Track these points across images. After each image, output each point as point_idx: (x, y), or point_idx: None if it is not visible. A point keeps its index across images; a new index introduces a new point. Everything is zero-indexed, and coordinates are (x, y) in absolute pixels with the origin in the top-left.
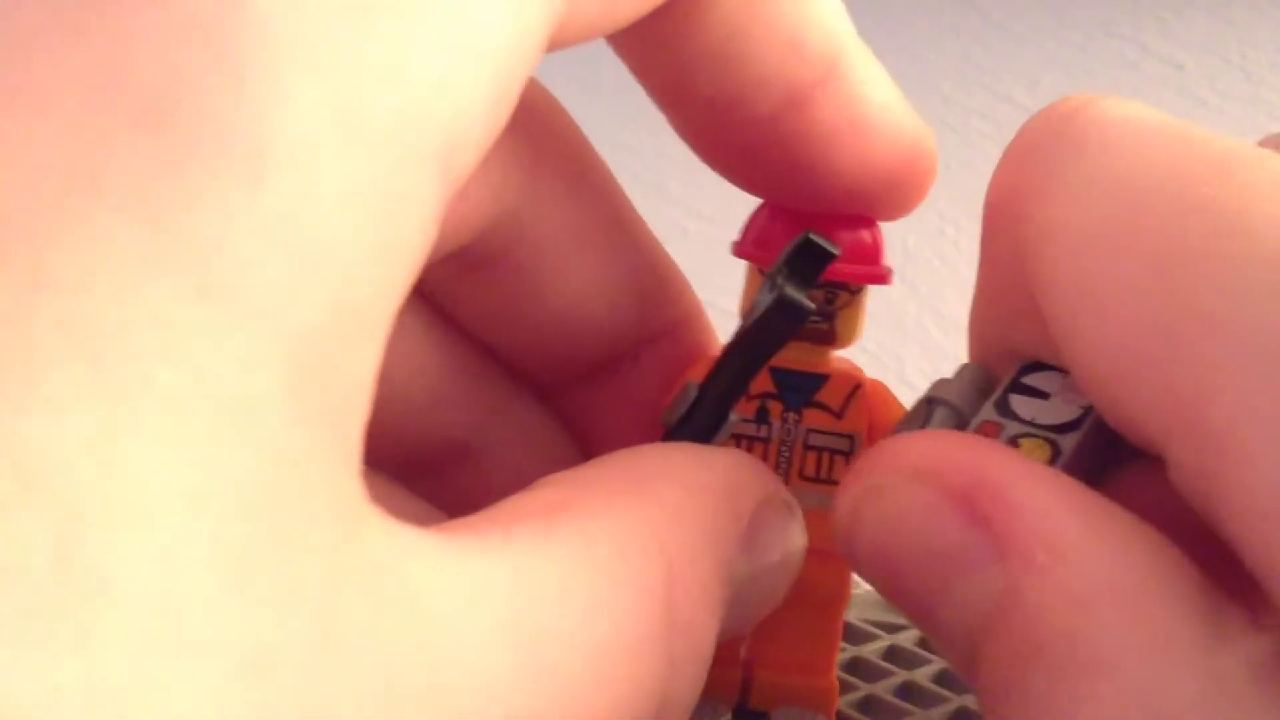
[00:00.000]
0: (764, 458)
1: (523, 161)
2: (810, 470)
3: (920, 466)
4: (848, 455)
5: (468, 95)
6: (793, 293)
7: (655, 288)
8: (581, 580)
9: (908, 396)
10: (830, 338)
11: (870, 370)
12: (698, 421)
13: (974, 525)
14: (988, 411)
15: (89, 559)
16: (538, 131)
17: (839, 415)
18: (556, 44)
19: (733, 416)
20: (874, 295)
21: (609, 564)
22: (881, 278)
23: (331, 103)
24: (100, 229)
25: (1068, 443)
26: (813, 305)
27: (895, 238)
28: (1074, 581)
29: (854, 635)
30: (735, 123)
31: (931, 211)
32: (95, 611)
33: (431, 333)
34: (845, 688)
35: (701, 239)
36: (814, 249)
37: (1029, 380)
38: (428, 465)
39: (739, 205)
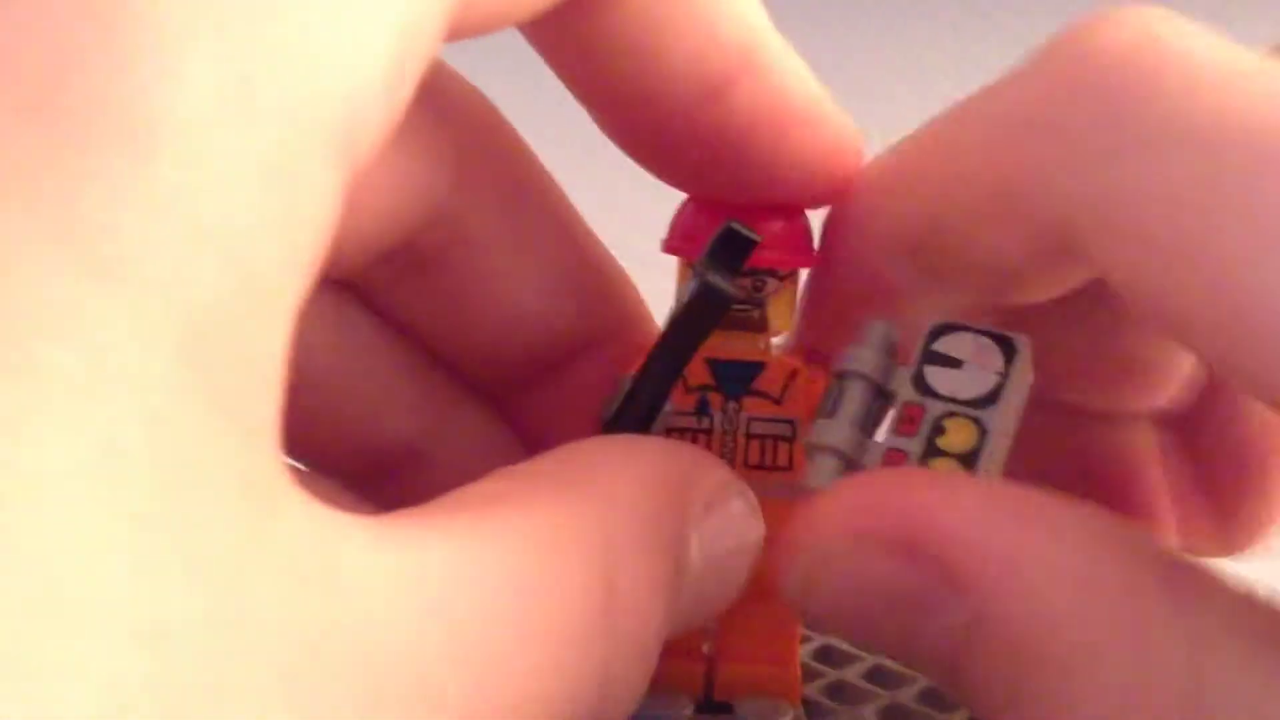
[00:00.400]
0: (708, 449)
1: (451, 161)
2: (755, 458)
3: (857, 527)
4: (790, 440)
5: (363, 74)
6: (714, 280)
7: (597, 288)
8: (517, 566)
9: None
10: (762, 325)
11: None
12: (632, 414)
13: (924, 569)
14: (906, 390)
15: None
16: (467, 133)
17: (778, 401)
18: (461, 33)
19: (667, 407)
20: None
21: (546, 550)
22: (806, 261)
23: (222, 79)
24: None
25: (992, 419)
26: (735, 291)
27: None
28: (1037, 595)
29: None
30: (653, 117)
31: None
32: None
33: (375, 337)
34: (814, 675)
35: None
36: (736, 237)
37: (940, 347)
38: (377, 469)
39: None
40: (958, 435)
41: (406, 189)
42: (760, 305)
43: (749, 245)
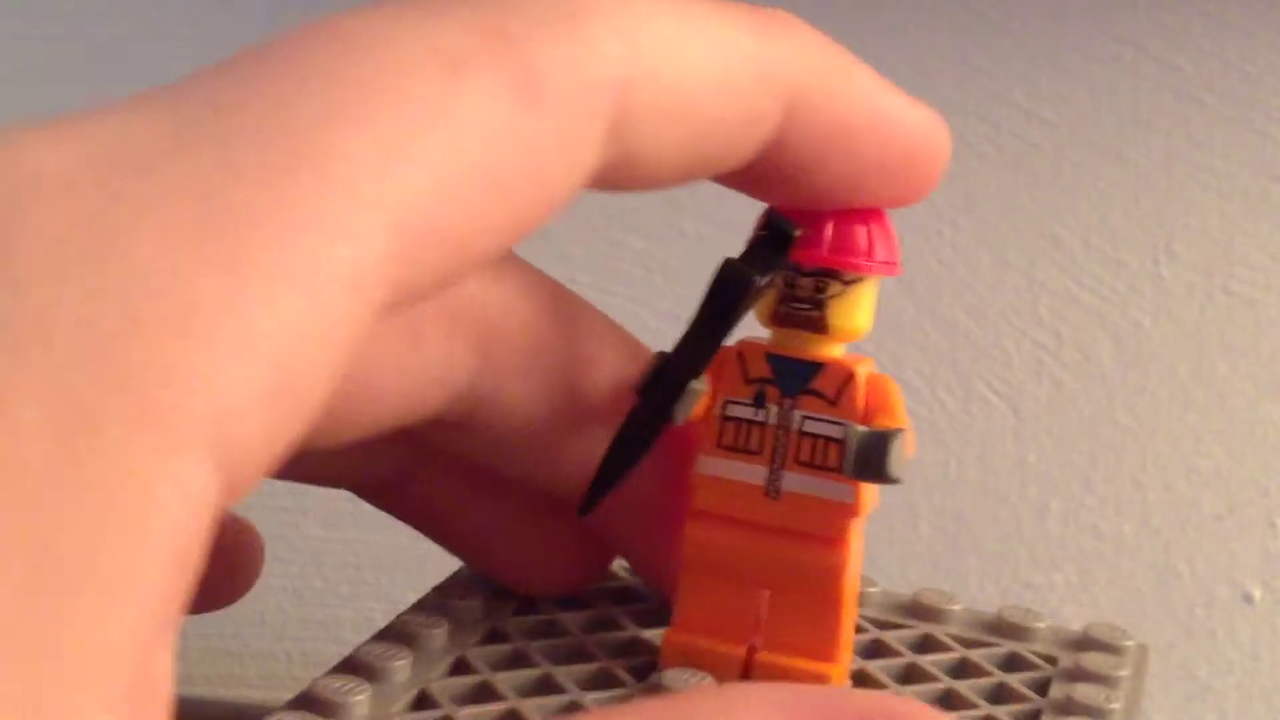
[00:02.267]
0: (761, 441)
1: (470, 349)
2: (806, 456)
3: None
4: (841, 443)
5: (240, 393)
6: (734, 262)
7: (626, 375)
8: None
9: (904, 396)
10: (822, 327)
11: None
12: (660, 389)
13: None
14: None
15: None
16: (489, 317)
17: (833, 403)
18: (410, 299)
19: (695, 385)
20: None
21: None
22: (856, 265)
23: (67, 401)
24: None
25: None
26: (753, 275)
27: None
28: None
29: (929, 647)
30: (724, 177)
31: (929, 212)
32: None
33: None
34: (875, 684)
35: (700, 240)
36: (774, 228)
37: None
38: None
39: (739, 206)
40: None
41: (424, 383)
42: (820, 306)
43: (787, 237)
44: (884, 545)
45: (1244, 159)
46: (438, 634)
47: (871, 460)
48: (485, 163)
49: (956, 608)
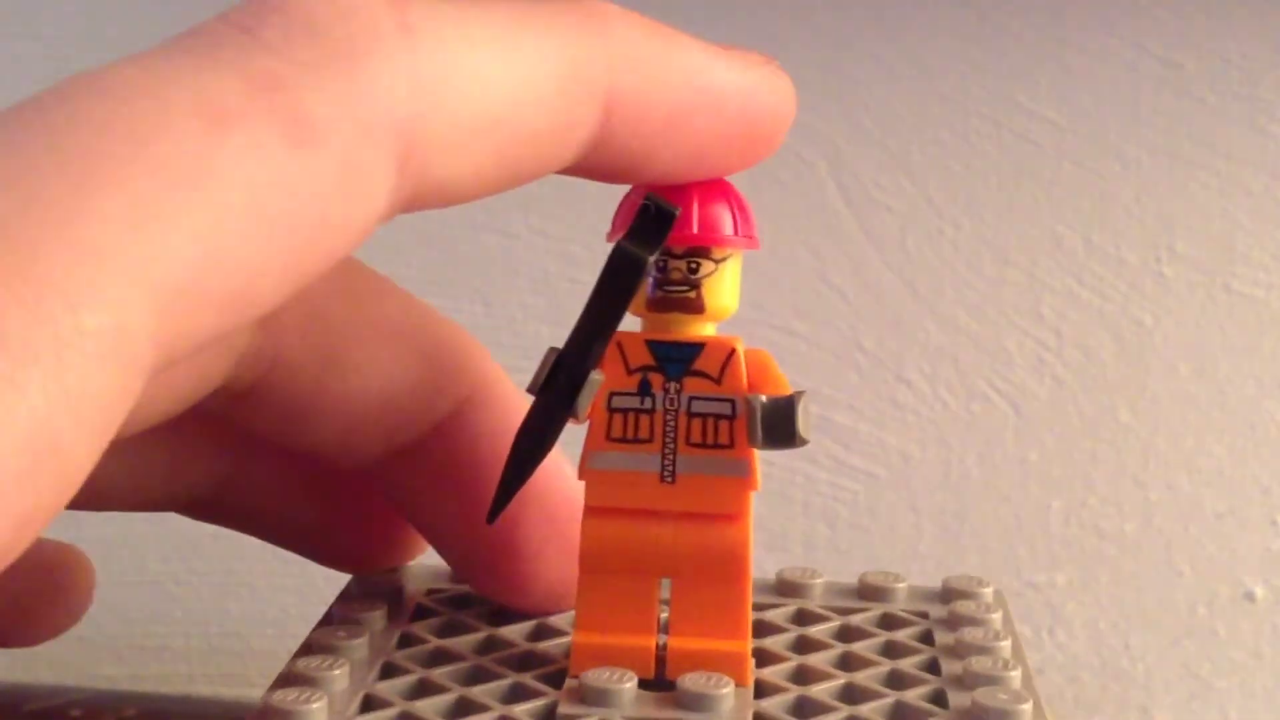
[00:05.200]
0: (650, 428)
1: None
2: (697, 437)
3: None
4: (730, 419)
5: None
6: (625, 245)
7: (440, 366)
8: None
9: (906, 395)
10: (698, 307)
11: (869, 369)
12: (559, 384)
13: None
14: None
15: None
16: None
17: (718, 380)
18: (190, 352)
19: (594, 376)
20: (870, 293)
21: None
22: (726, 241)
23: None
24: None
25: None
26: (646, 256)
27: (894, 237)
28: None
29: (807, 619)
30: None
31: (930, 211)
32: None
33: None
34: (776, 659)
35: None
36: (654, 210)
37: None
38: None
39: None
40: None
41: (209, 351)
42: (696, 286)
43: (668, 217)
44: (886, 544)
45: (1245, 157)
46: (357, 644)
47: (779, 426)
48: (257, 215)
49: (818, 581)
